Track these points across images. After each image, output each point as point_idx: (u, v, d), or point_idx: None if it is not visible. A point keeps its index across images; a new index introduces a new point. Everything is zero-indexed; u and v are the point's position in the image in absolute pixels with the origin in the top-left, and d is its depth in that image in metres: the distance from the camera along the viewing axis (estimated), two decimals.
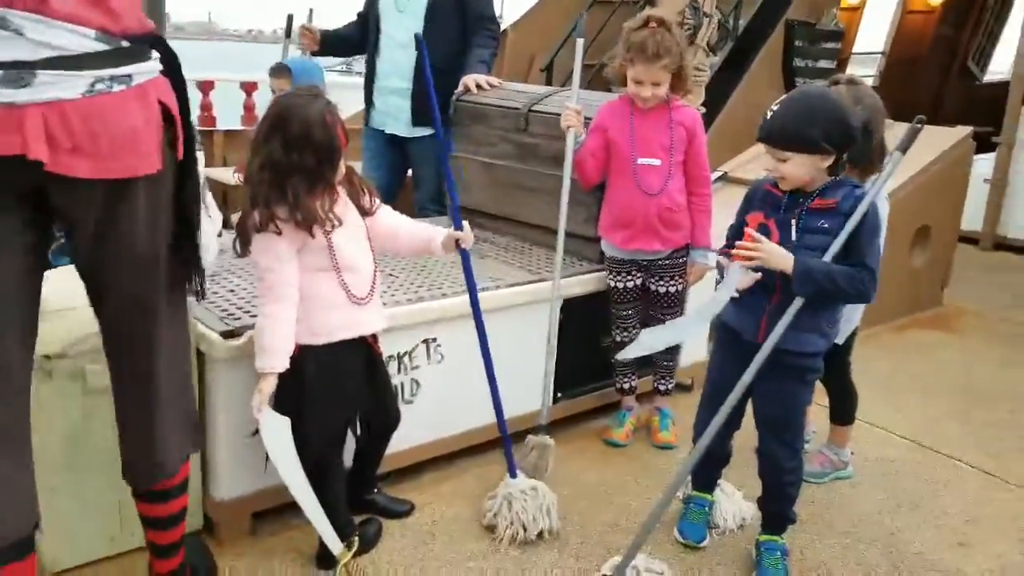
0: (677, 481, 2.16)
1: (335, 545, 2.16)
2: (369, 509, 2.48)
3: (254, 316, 2.22)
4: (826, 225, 2.07)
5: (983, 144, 5.58)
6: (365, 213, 2.25)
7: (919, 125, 2.11)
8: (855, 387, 2.90)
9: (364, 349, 2.25)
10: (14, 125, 1.37)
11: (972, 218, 5.78)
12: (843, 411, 2.92)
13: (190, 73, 1.89)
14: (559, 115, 3.18)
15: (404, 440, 2.58)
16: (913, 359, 4.10)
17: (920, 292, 4.75)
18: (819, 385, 2.91)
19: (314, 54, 4.05)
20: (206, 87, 7.02)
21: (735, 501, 2.58)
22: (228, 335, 2.21)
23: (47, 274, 1.65)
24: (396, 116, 3.81)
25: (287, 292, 2.08)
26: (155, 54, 1.56)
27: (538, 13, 6.72)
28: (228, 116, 6.98)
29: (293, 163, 2.03)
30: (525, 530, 2.38)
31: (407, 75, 3.71)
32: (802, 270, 2.03)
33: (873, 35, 8.47)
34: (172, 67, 1.60)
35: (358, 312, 2.19)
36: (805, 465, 2.86)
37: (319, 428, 2.17)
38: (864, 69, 8.21)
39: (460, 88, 3.61)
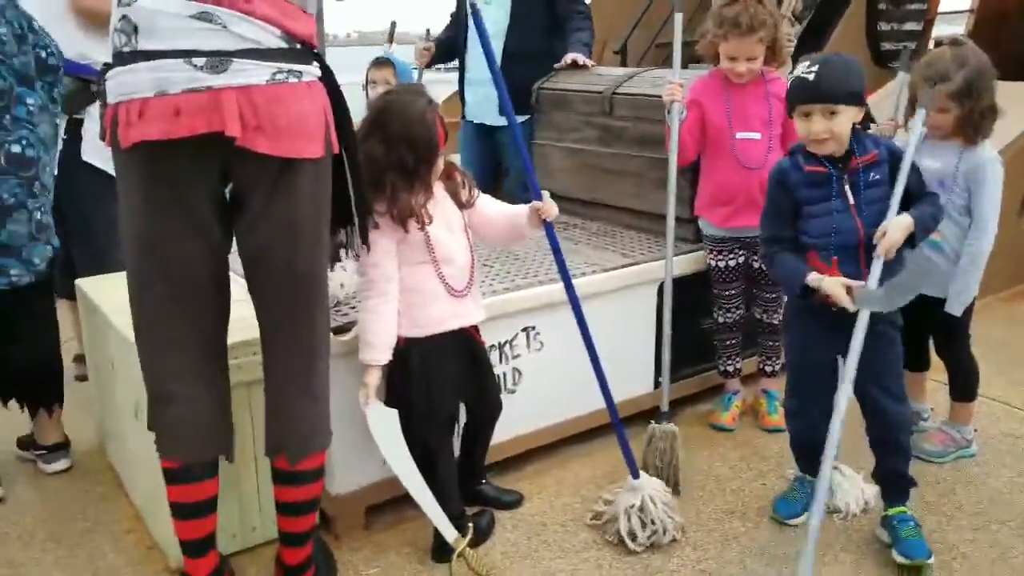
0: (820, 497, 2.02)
1: (449, 533, 2.17)
2: (478, 499, 2.47)
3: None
4: (878, 177, 2.13)
5: None
6: (463, 206, 2.26)
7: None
8: (976, 361, 2.75)
9: (466, 340, 2.26)
10: (213, 106, 1.59)
11: None
12: (964, 387, 2.77)
13: None
14: (644, 96, 3.14)
15: (507, 430, 2.58)
16: None
17: None
18: (937, 360, 2.81)
19: (426, 66, 4.14)
20: None
21: (856, 484, 2.47)
22: (337, 331, 2.22)
23: None
24: (485, 106, 3.84)
25: (388, 287, 2.12)
26: (315, 63, 1.76)
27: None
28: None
29: (392, 159, 2.07)
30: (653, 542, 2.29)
31: (484, 67, 3.70)
32: (920, 226, 2.12)
33: None
34: (328, 76, 1.80)
35: (458, 304, 2.20)
36: (925, 444, 2.76)
37: (426, 419, 2.20)
38: (952, 28, 7.80)
39: (562, 63, 3.58)
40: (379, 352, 2.11)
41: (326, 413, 1.94)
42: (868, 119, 2.29)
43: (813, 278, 2.10)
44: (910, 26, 6.45)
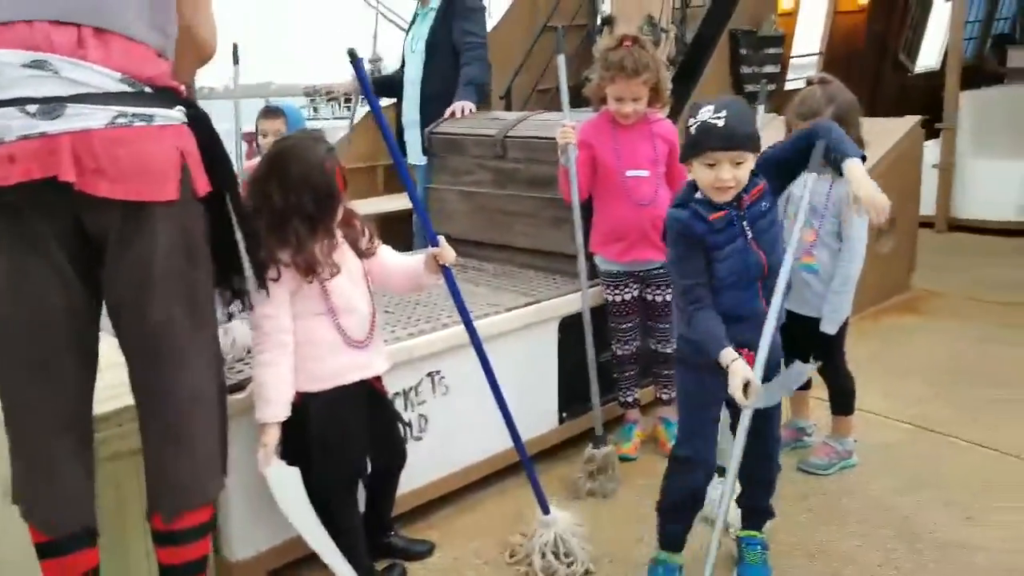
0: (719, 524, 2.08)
1: None
2: (388, 553, 2.43)
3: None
4: (767, 205, 2.13)
5: (927, 132, 5.79)
6: (363, 255, 2.24)
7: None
8: (852, 377, 2.97)
9: (368, 391, 2.23)
10: (47, 151, 1.57)
11: (925, 203, 5.98)
12: (842, 402, 2.99)
13: None
14: (536, 138, 3.25)
15: (415, 478, 2.57)
16: (892, 344, 4.20)
17: (889, 279, 4.88)
18: (818, 378, 3.01)
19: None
20: None
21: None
22: (232, 389, 2.15)
23: None
24: (414, 146, 4.10)
25: (284, 339, 2.07)
26: (180, 108, 1.72)
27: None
28: None
29: (291, 206, 2.03)
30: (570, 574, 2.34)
31: (415, 108, 4.10)
32: (843, 143, 2.11)
33: (809, 38, 8.76)
34: (201, 123, 1.77)
35: (358, 355, 2.17)
36: (811, 458, 2.94)
37: (328, 475, 2.14)
38: (806, 71, 8.47)
39: (447, 114, 3.70)
40: (277, 409, 2.04)
41: (207, 467, 1.85)
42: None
43: (725, 356, 2.02)
44: (768, 68, 6.94)
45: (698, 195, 2.11)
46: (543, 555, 2.32)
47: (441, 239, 2.26)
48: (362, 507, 2.36)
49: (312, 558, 2.16)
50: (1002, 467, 2.94)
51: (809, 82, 2.80)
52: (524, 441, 2.47)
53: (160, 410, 1.79)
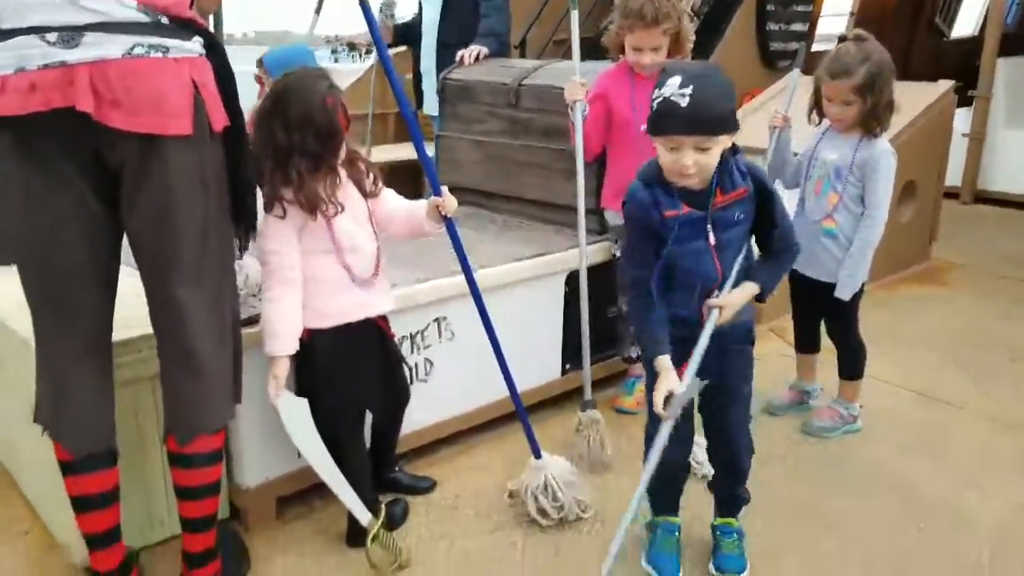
0: (632, 509, 1.90)
1: (364, 516, 2.17)
2: (392, 487, 2.48)
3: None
4: (741, 216, 1.90)
5: (959, 99, 5.65)
6: (367, 195, 2.24)
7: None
8: (863, 343, 2.94)
9: (374, 330, 2.25)
10: (67, 81, 1.56)
11: (952, 173, 5.86)
12: (852, 366, 2.96)
13: None
14: (550, 88, 3.19)
15: (420, 419, 2.60)
16: (907, 314, 4.15)
17: (909, 248, 4.81)
18: (827, 341, 2.99)
19: (390, 45, 4.35)
20: None
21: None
22: (245, 322, 2.18)
23: None
24: (430, 96, 4.06)
25: (290, 275, 2.09)
26: (197, 38, 1.71)
27: None
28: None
29: (295, 144, 2.03)
30: (562, 518, 2.37)
31: (432, 56, 4.06)
32: (769, 290, 1.97)
33: None
34: (215, 53, 1.76)
35: (363, 294, 2.18)
36: (815, 420, 2.93)
37: (334, 409, 2.19)
38: (835, 29, 8.26)
39: (458, 59, 3.64)
40: (284, 342, 2.08)
41: (220, 394, 1.89)
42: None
43: (659, 364, 1.89)
44: (796, 27, 6.78)
45: (659, 175, 1.89)
46: (535, 498, 2.35)
47: (444, 189, 2.25)
48: (368, 443, 2.40)
49: (320, 487, 2.21)
50: (1009, 439, 2.91)
51: (843, 38, 2.71)
52: (526, 390, 2.48)
53: (176, 337, 1.82)
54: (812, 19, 7.21)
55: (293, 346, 2.09)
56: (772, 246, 1.99)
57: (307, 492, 2.36)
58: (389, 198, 2.31)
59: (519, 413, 2.45)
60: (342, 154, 2.14)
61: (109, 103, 1.59)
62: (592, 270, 3.00)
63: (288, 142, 2.03)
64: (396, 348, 2.38)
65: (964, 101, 6.28)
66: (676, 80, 1.74)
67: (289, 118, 2.03)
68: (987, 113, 6.42)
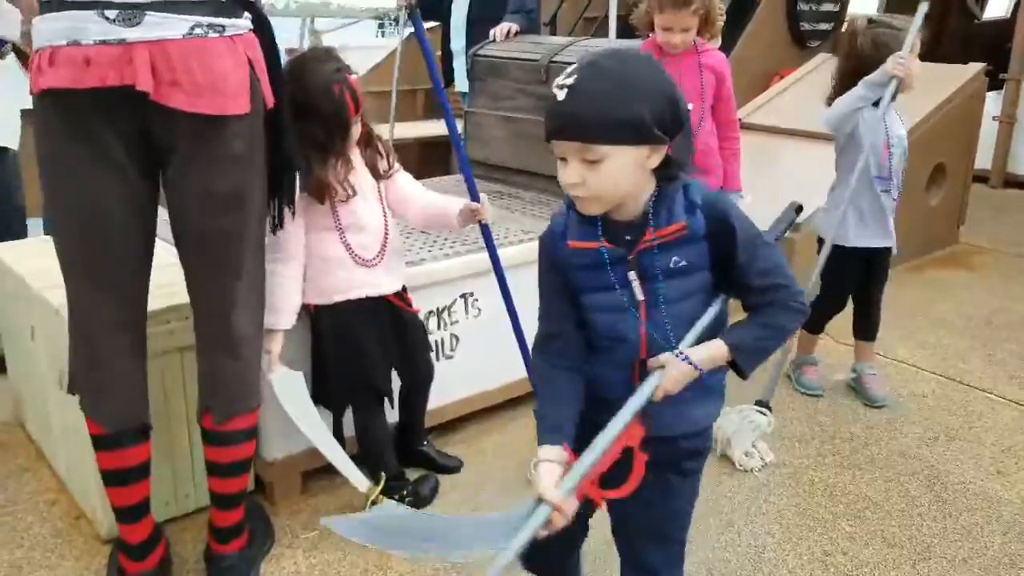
0: None
1: (362, 484, 2.21)
2: (420, 461, 2.49)
3: None
4: (683, 263, 1.33)
5: (989, 82, 5.55)
6: (380, 176, 2.21)
7: None
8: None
9: (386, 308, 2.23)
10: (126, 59, 1.55)
11: (981, 156, 5.78)
12: (875, 327, 3.04)
13: None
14: None
15: (446, 395, 2.61)
16: (933, 297, 4.11)
17: (936, 231, 4.76)
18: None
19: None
20: None
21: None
22: None
23: None
24: (461, 74, 4.06)
25: (293, 251, 2.09)
26: (247, 15, 1.72)
27: None
28: None
29: (301, 132, 1.99)
30: None
31: (461, 34, 4.07)
32: (747, 355, 1.36)
33: None
34: (263, 29, 1.76)
35: (366, 273, 2.17)
36: (873, 392, 2.99)
37: (343, 387, 2.21)
38: (865, 10, 8.13)
39: (490, 35, 3.63)
40: (281, 316, 2.07)
41: (255, 372, 1.92)
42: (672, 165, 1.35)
43: (542, 452, 1.34)
44: (827, 6, 6.66)
45: None
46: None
47: (483, 196, 2.25)
48: (396, 417, 2.43)
49: None
50: None
51: (871, 21, 2.77)
52: None
53: (221, 318, 1.83)
54: None
55: (289, 321, 2.09)
56: (750, 303, 1.40)
57: (332, 467, 2.37)
58: (404, 183, 2.27)
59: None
60: (352, 139, 2.11)
61: (168, 83, 1.58)
62: None
63: (295, 129, 1.97)
64: (416, 326, 2.35)
65: (995, 84, 6.17)
66: (569, 67, 1.27)
67: (294, 104, 1.97)
68: (1018, 96, 6.30)
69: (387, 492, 2.25)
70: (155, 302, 2.06)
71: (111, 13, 1.55)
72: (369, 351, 2.21)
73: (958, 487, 2.50)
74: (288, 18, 4.54)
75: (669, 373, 1.32)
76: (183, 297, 1.95)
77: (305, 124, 1.99)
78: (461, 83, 4.13)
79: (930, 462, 2.63)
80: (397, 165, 2.26)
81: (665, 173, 1.33)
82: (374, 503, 2.20)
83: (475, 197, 2.26)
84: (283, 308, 2.07)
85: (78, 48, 1.55)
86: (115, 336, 1.81)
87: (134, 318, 1.84)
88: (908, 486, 2.50)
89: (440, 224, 2.31)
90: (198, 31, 1.61)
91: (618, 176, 1.27)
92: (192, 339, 1.91)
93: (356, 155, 2.15)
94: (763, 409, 2.70)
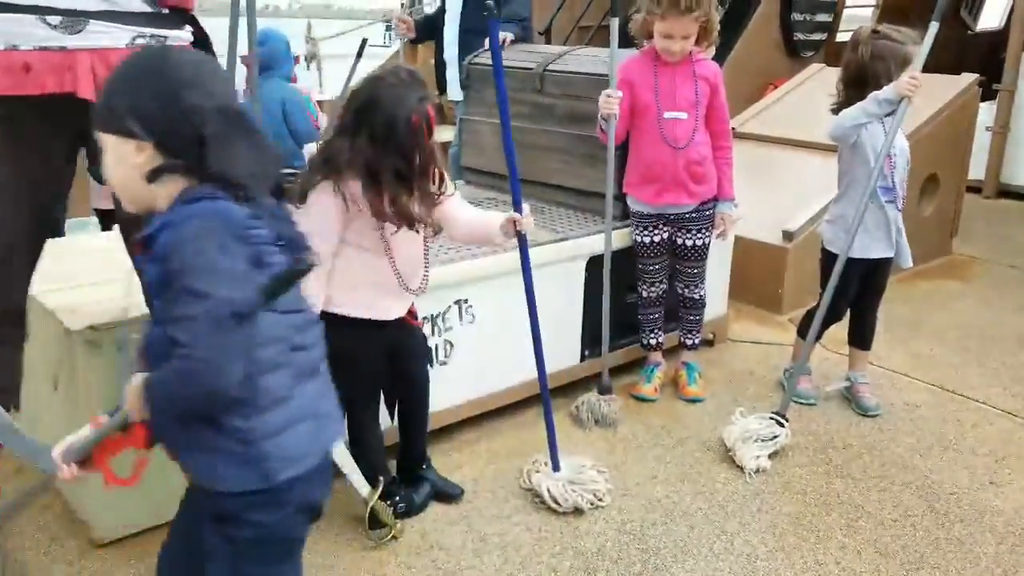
0: None
1: (362, 487, 2.20)
2: (420, 486, 2.43)
3: None
4: (148, 279, 1.30)
5: (982, 92, 5.58)
6: (434, 204, 2.15)
7: None
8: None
9: (394, 320, 2.21)
10: (66, 66, 1.56)
11: (974, 166, 5.81)
12: (870, 336, 3.05)
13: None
14: (575, 74, 3.19)
15: (440, 401, 2.59)
16: (926, 308, 4.12)
17: (929, 241, 4.76)
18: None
19: (412, 41, 4.52)
20: None
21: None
22: None
23: (85, 245, 1.73)
24: (453, 83, 4.15)
25: (324, 262, 2.05)
26: (188, 27, 1.74)
27: None
28: None
29: (383, 163, 1.97)
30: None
31: (454, 44, 4.13)
32: (152, 390, 1.24)
33: None
34: (203, 42, 1.77)
35: (396, 300, 2.16)
36: (865, 402, 2.98)
37: (340, 391, 2.17)
38: (860, 20, 8.19)
39: (483, 46, 3.65)
40: None
41: None
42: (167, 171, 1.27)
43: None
44: (821, 17, 6.72)
45: None
46: (553, 499, 2.38)
47: (525, 207, 2.23)
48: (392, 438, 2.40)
49: (338, 469, 2.20)
50: None
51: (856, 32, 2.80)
52: (548, 374, 2.46)
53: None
54: (836, 10, 7.14)
55: None
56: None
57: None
58: (455, 204, 2.23)
59: (547, 416, 2.47)
60: (435, 172, 2.08)
61: None
62: (614, 256, 3.01)
63: (378, 160, 1.96)
64: (419, 339, 2.33)
65: (988, 95, 6.20)
66: None
67: (376, 135, 1.95)
68: (1011, 107, 6.34)
69: (382, 498, 2.24)
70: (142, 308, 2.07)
71: (53, 19, 1.54)
72: (372, 361, 2.20)
73: (951, 497, 2.50)
74: (291, 21, 4.62)
75: (129, 394, 1.26)
76: None
77: (388, 158, 1.96)
78: (454, 92, 4.19)
79: (923, 472, 2.64)
80: (447, 187, 2.19)
81: (197, 178, 1.25)
82: (373, 508, 2.19)
83: (518, 207, 2.23)
84: None
85: (15, 53, 1.54)
86: None
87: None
88: (901, 496, 2.50)
89: (483, 239, 2.28)
90: (140, 40, 1.63)
91: (120, 173, 1.28)
92: None
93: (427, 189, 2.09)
94: (781, 419, 2.71)
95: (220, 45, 2.35)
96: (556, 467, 2.44)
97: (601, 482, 2.43)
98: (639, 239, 2.99)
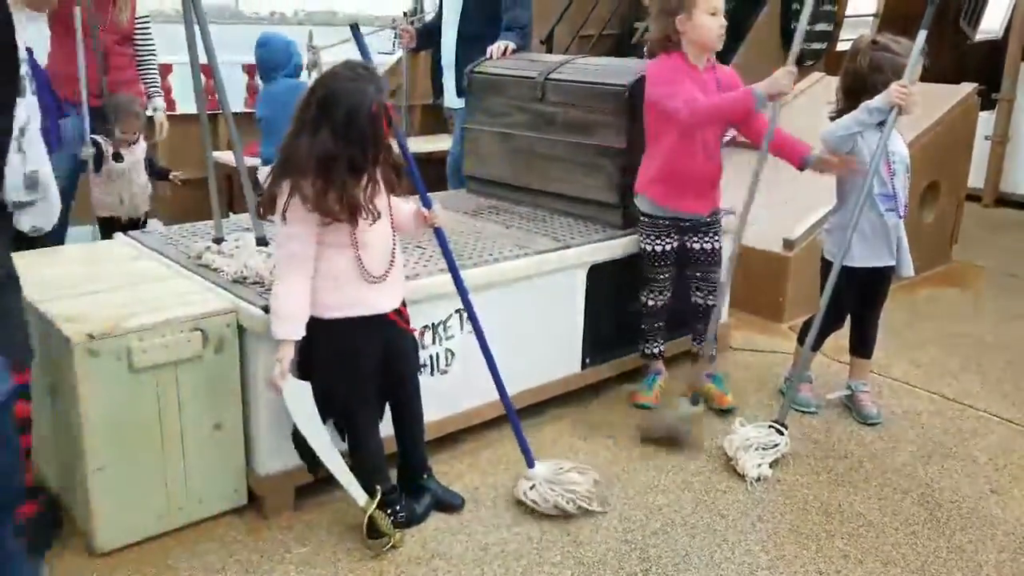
0: None
1: (360, 497, 2.20)
2: (421, 496, 2.42)
3: None
4: None
5: (981, 102, 5.60)
6: (394, 192, 2.22)
7: None
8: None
9: (384, 324, 2.21)
10: None
11: (974, 175, 5.81)
12: (871, 345, 3.04)
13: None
14: (577, 83, 3.20)
15: (441, 409, 2.60)
16: (927, 315, 4.12)
17: (930, 249, 4.76)
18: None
19: (413, 50, 4.68)
20: (164, 71, 6.80)
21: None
22: (267, 309, 2.19)
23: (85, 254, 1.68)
24: (450, 89, 4.17)
25: (308, 262, 2.10)
26: None
27: None
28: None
29: (341, 152, 2.00)
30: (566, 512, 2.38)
31: (452, 50, 4.13)
32: None
33: None
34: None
35: (370, 290, 2.17)
36: (866, 411, 2.97)
37: (335, 395, 2.20)
38: (860, 31, 8.22)
39: (488, 53, 3.66)
40: (290, 326, 2.08)
41: None
42: None
43: None
44: (821, 27, 6.74)
45: None
46: (533, 501, 2.38)
47: (436, 205, 2.31)
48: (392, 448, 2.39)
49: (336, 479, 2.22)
50: None
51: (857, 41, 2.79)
52: (545, 384, 2.48)
53: None
54: (836, 19, 7.16)
55: (300, 332, 2.10)
56: None
57: (326, 482, 2.35)
58: (399, 201, 2.28)
59: (510, 418, 2.47)
60: (389, 161, 2.12)
61: None
62: (613, 265, 3.01)
63: (336, 149, 1.99)
64: (410, 345, 2.33)
65: (987, 104, 6.22)
66: None
67: (336, 127, 1.98)
68: (1010, 116, 6.36)
69: (381, 507, 2.23)
70: (151, 316, 2.09)
71: None
72: (364, 367, 2.20)
73: (952, 505, 2.50)
74: (296, 29, 4.67)
75: None
76: (176, 311, 1.95)
77: (346, 148, 1.99)
78: (450, 99, 4.21)
79: (924, 480, 2.63)
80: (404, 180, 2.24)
81: None
82: (371, 518, 2.18)
83: (426, 203, 2.30)
84: (295, 318, 2.08)
85: None
86: None
87: None
88: (902, 504, 2.50)
89: (408, 230, 2.33)
90: None
91: None
92: (188, 353, 1.88)
93: (379, 178, 2.13)
94: (780, 427, 2.72)
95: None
96: (531, 463, 2.44)
97: (583, 483, 2.40)
98: (648, 248, 2.97)
